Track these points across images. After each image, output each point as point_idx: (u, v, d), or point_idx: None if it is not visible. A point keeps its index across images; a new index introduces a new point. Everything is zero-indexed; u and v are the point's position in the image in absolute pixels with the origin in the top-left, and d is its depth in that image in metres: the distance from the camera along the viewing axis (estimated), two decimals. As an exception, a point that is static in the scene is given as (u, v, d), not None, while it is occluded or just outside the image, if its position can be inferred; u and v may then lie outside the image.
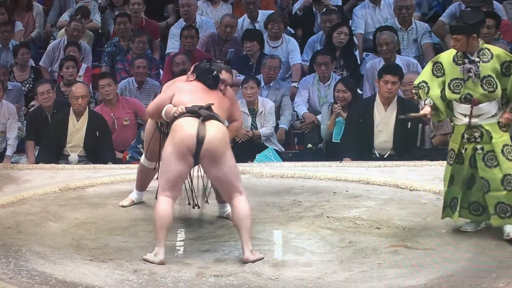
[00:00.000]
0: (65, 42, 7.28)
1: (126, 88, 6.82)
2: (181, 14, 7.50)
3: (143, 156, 4.68)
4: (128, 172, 5.28)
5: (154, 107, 4.25)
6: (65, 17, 7.85)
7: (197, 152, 3.98)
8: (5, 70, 6.89)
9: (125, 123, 6.34)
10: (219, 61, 5.30)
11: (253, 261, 3.94)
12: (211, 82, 4.23)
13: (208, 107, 4.09)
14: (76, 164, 5.80)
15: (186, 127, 4.00)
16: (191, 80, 4.28)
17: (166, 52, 7.41)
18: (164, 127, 4.33)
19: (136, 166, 5.48)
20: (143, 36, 7.08)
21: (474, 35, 4.02)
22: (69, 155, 5.93)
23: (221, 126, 4.07)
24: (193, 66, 4.41)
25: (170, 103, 4.18)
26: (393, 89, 5.68)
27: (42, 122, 6.17)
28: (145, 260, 3.97)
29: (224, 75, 4.32)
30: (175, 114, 4.06)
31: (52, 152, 5.91)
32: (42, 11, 8.04)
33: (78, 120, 5.96)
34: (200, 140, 3.98)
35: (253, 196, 4.61)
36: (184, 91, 4.20)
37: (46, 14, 8.15)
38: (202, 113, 4.04)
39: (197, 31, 7.07)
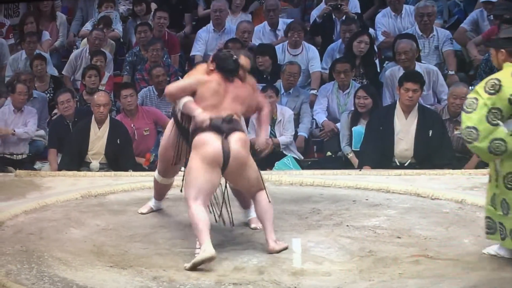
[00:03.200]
0: (87, 51, 7.37)
1: (146, 96, 6.88)
2: (212, 19, 7.52)
3: (156, 172, 4.66)
4: (148, 179, 5.29)
5: (176, 90, 4.22)
6: (87, 26, 7.95)
7: (223, 168, 4.09)
8: (31, 77, 6.98)
9: (145, 134, 6.38)
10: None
11: (278, 251, 4.06)
12: (232, 67, 4.21)
13: (230, 119, 4.12)
14: (98, 171, 5.85)
15: (212, 144, 4.06)
16: (211, 70, 4.23)
17: (191, 54, 7.48)
18: (184, 122, 4.30)
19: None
20: (156, 44, 7.12)
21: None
22: (91, 162, 5.98)
23: (242, 137, 4.13)
24: (212, 54, 4.40)
25: (192, 93, 4.16)
26: (414, 96, 5.64)
27: (64, 130, 6.26)
28: (195, 264, 3.88)
29: (242, 60, 4.29)
30: (201, 126, 4.08)
31: (74, 159, 5.97)
32: (66, 21, 8.15)
33: (99, 128, 6.02)
34: (226, 158, 4.06)
35: (272, 204, 4.60)
36: (206, 90, 4.17)
37: (69, 24, 8.26)
38: (224, 129, 4.08)
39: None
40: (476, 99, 3.62)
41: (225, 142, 4.06)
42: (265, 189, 4.21)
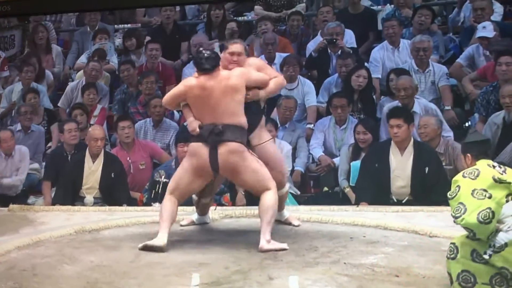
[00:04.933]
0: (83, 83, 7.43)
1: (141, 128, 6.91)
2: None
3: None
4: (143, 215, 5.35)
5: (168, 100, 4.69)
6: (82, 59, 8.02)
7: (215, 174, 4.54)
8: (31, 109, 7.01)
9: (141, 167, 6.42)
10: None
11: (268, 250, 4.33)
12: (205, 65, 4.50)
13: (219, 132, 4.43)
14: (92, 206, 5.86)
15: (200, 157, 4.49)
16: (197, 74, 4.56)
17: None
18: None
19: (152, 208, 5.61)
20: (150, 76, 7.21)
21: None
22: (85, 197, 6.00)
23: (230, 148, 4.44)
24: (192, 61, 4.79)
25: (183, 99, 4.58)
26: (399, 132, 5.63)
27: (62, 162, 6.27)
28: (146, 246, 4.41)
29: (232, 47, 4.56)
30: (193, 133, 4.52)
31: (68, 193, 6.00)
32: (61, 53, 8.23)
33: (94, 162, 6.05)
34: (215, 168, 4.48)
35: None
36: (192, 97, 4.54)
37: (65, 57, 8.34)
38: (210, 142, 4.43)
39: None
40: (458, 186, 3.73)
41: (213, 153, 4.45)
42: (272, 189, 4.47)
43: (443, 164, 5.78)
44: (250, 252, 4.49)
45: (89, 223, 5.16)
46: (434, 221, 5.03)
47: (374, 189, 5.69)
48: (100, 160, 6.05)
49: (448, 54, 7.63)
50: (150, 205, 5.85)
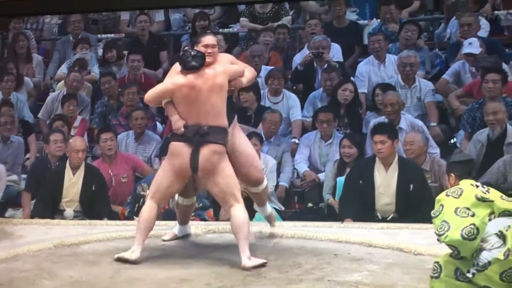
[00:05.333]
0: (64, 94, 7.42)
1: (123, 141, 6.93)
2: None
3: (176, 195, 4.87)
4: (124, 229, 5.33)
5: (153, 97, 4.64)
6: (63, 69, 8.03)
7: (193, 175, 4.56)
8: (12, 119, 6.98)
9: (123, 180, 6.42)
10: None
11: (251, 267, 4.32)
12: (191, 64, 4.52)
13: (204, 133, 4.48)
14: (72, 219, 5.86)
15: (181, 157, 4.52)
16: (181, 70, 4.55)
17: None
18: None
19: (133, 222, 5.60)
20: (132, 87, 7.24)
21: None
22: (65, 210, 5.99)
23: (212, 149, 4.49)
24: (178, 60, 4.67)
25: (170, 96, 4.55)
26: (383, 148, 5.65)
27: (44, 173, 6.22)
28: (120, 258, 4.43)
29: (206, 39, 4.58)
30: (177, 132, 4.54)
31: (48, 206, 5.98)
32: (42, 62, 8.22)
33: (74, 174, 6.05)
34: (194, 169, 4.51)
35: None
36: (180, 96, 4.54)
37: (46, 66, 8.33)
38: (195, 142, 4.48)
39: None
40: (442, 205, 3.80)
41: (195, 154, 4.48)
42: (241, 203, 4.49)
43: (429, 181, 5.83)
44: (232, 268, 4.51)
45: (69, 237, 5.14)
46: (419, 238, 5.05)
47: (359, 206, 5.71)
48: (81, 172, 6.05)
49: (434, 70, 7.72)
50: (132, 219, 5.86)
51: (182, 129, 4.53)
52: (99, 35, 8.85)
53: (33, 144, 7.14)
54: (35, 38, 8.62)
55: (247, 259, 4.39)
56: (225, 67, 4.63)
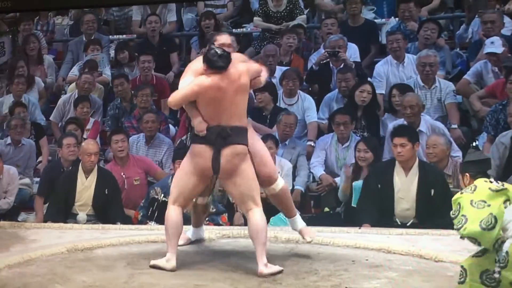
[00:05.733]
0: (76, 96, 7.47)
1: (134, 143, 6.96)
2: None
3: None
4: (137, 233, 5.39)
5: (178, 100, 4.62)
6: (74, 71, 8.08)
7: (214, 177, 4.58)
8: (22, 123, 7.05)
9: (135, 183, 6.45)
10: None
11: (268, 275, 4.31)
12: (219, 64, 4.50)
13: (226, 135, 4.47)
14: (85, 223, 5.90)
15: (203, 158, 4.51)
16: (205, 70, 4.53)
17: None
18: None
19: (146, 227, 5.65)
20: (145, 89, 7.27)
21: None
22: (78, 214, 6.04)
23: (234, 150, 4.48)
24: (202, 56, 4.63)
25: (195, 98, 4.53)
26: (403, 151, 5.62)
27: (58, 177, 6.24)
28: (155, 265, 4.41)
29: (222, 38, 4.59)
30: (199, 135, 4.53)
31: (61, 210, 6.02)
32: (54, 63, 8.28)
33: (87, 178, 6.09)
34: (216, 170, 4.50)
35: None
36: (205, 98, 4.51)
37: (58, 67, 8.39)
38: (218, 144, 4.46)
39: None
40: (459, 203, 3.80)
41: (217, 156, 4.46)
42: (259, 207, 4.49)
43: (450, 186, 5.77)
44: (248, 274, 4.52)
45: (82, 241, 5.18)
46: (440, 245, 5.03)
47: (377, 211, 5.68)
48: (94, 175, 6.09)
49: (455, 70, 7.65)
50: (146, 223, 5.90)
51: (205, 131, 4.52)
52: (110, 36, 8.90)
53: (45, 147, 7.19)
54: (46, 40, 8.69)
55: (264, 266, 4.40)
56: (247, 66, 4.63)
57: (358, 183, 6.00)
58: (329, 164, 6.68)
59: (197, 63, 4.62)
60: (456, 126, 6.88)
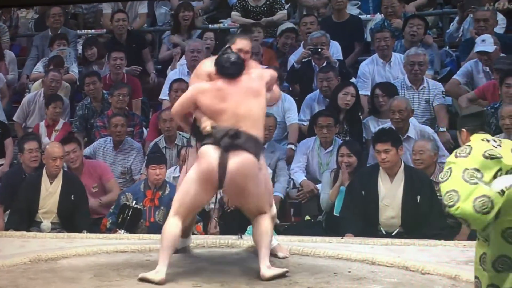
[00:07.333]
0: (42, 95, 7.42)
1: (100, 148, 6.91)
2: (188, 60, 7.54)
3: None
4: (105, 243, 5.40)
5: (179, 109, 4.70)
6: (38, 68, 8.00)
7: (220, 185, 4.50)
8: None
9: (94, 190, 6.44)
10: None
11: (270, 276, 4.40)
12: (231, 71, 4.54)
13: (234, 134, 4.42)
14: (49, 232, 5.89)
15: (208, 159, 4.45)
16: (215, 74, 4.56)
17: (159, 98, 7.62)
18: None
19: (114, 235, 5.66)
20: (123, 88, 7.21)
21: None
22: (42, 222, 6.03)
23: (245, 160, 4.43)
24: (215, 59, 4.64)
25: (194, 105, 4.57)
26: (387, 157, 5.66)
27: (19, 184, 6.19)
28: (143, 278, 4.41)
29: (241, 43, 4.61)
30: (204, 133, 4.50)
31: (23, 218, 6.01)
32: (15, 59, 8.22)
33: (51, 183, 6.07)
34: (221, 176, 4.44)
35: (243, 273, 4.71)
36: (205, 99, 4.54)
37: (22, 64, 8.33)
38: (223, 144, 4.42)
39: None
40: (450, 168, 3.78)
41: (224, 159, 4.37)
42: (268, 213, 4.58)
43: (438, 193, 5.72)
44: (223, 286, 4.53)
45: (46, 251, 5.17)
46: (427, 256, 5.06)
47: (361, 220, 5.71)
48: (59, 181, 6.07)
49: (444, 70, 7.67)
50: (115, 231, 5.91)
51: (208, 127, 4.49)
52: (78, 31, 8.87)
53: (10, 148, 7.07)
54: (9, 35, 8.63)
55: (266, 268, 4.48)
56: (261, 73, 4.66)
57: (343, 189, 6.01)
58: (311, 169, 6.66)
59: (203, 66, 4.67)
60: (444, 129, 6.89)
